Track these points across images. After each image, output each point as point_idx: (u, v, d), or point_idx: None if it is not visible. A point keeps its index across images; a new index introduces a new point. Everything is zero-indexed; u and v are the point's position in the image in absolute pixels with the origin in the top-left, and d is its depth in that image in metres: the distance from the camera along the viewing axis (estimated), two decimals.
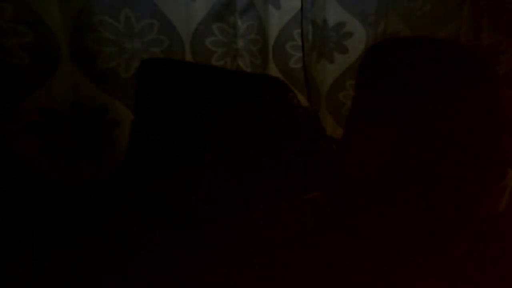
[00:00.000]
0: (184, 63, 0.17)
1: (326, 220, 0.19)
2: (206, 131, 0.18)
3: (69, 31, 0.37)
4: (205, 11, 0.47)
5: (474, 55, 0.16)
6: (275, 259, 0.21)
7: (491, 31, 0.60)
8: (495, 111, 0.18)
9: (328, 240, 0.19)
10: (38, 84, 0.37)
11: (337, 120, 0.63)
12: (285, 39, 0.55)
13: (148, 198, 0.17)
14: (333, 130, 0.63)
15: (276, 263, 0.20)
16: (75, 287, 0.18)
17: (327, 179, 0.21)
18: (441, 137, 0.15)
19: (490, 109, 0.17)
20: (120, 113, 0.41)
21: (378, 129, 0.16)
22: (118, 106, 0.41)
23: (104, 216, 0.29)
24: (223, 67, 0.21)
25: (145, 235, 0.17)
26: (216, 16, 0.47)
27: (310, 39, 0.57)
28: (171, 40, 0.44)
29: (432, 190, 0.15)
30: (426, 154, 0.15)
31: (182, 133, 0.17)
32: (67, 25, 0.37)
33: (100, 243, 0.23)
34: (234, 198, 0.19)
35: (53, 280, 0.18)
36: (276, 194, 0.22)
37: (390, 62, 0.16)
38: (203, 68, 0.18)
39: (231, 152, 0.19)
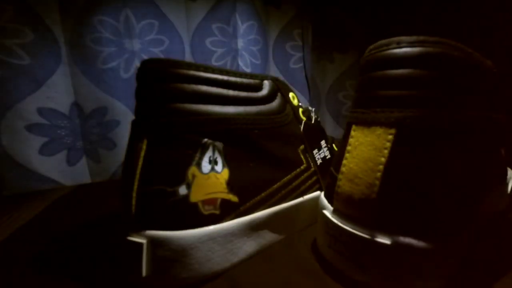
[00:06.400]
0: (184, 63, 0.17)
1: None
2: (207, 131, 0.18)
3: (69, 31, 0.38)
4: (205, 11, 0.47)
5: (475, 56, 0.16)
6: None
7: None
8: (495, 111, 0.18)
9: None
10: (38, 84, 0.37)
11: (337, 120, 0.63)
12: (285, 39, 0.56)
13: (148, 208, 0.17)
14: (333, 130, 0.63)
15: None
16: (76, 287, 0.18)
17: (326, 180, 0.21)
18: (441, 138, 0.15)
19: (490, 109, 0.17)
20: (120, 113, 0.42)
21: (379, 129, 0.16)
22: (118, 106, 0.41)
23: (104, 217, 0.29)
24: (223, 67, 0.22)
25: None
26: (216, 16, 0.47)
27: (310, 39, 0.57)
28: (171, 40, 0.44)
29: (432, 190, 0.15)
30: (426, 154, 0.15)
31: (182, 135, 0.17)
32: (67, 25, 0.37)
33: (100, 244, 0.23)
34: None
35: (53, 281, 0.18)
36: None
37: (390, 62, 0.16)
38: (203, 69, 0.18)
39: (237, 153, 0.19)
